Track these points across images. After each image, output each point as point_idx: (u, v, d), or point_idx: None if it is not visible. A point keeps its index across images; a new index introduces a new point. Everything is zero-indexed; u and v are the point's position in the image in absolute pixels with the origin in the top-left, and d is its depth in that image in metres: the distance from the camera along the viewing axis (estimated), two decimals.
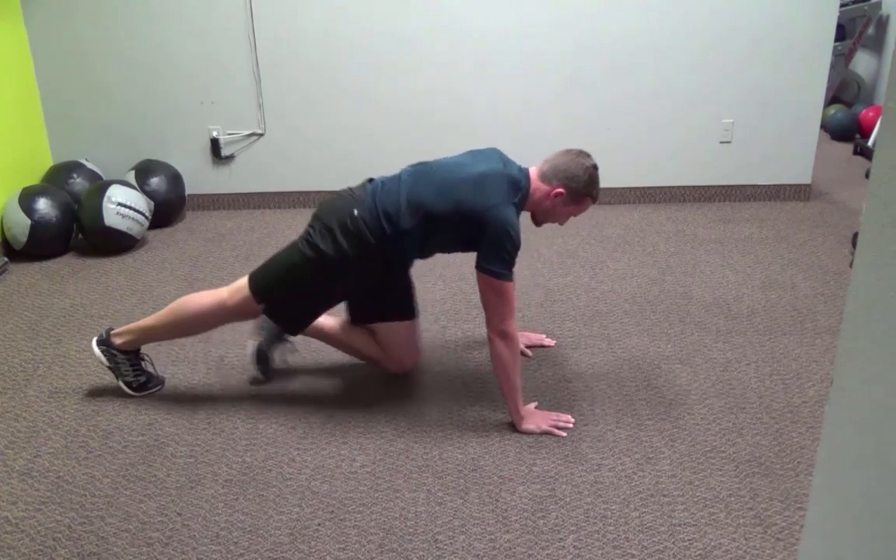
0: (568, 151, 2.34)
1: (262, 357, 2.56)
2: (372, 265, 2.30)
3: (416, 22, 4.02)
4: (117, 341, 2.44)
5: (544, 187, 2.30)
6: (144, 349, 2.53)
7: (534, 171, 2.33)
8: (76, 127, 4.19)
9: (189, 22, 4.02)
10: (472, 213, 2.19)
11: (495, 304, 2.21)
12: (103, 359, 2.45)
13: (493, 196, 2.19)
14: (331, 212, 2.29)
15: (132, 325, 2.45)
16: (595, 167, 2.31)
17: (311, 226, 2.31)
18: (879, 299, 0.72)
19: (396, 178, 2.33)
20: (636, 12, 3.99)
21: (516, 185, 2.26)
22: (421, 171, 2.33)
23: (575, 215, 2.39)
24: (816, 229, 3.91)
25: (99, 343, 2.45)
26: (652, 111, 4.16)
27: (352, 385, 2.58)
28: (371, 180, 2.38)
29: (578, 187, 2.28)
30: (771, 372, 2.62)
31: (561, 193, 2.28)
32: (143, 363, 2.52)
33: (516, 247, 2.19)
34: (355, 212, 2.24)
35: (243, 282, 2.35)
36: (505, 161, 2.34)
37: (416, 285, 3.31)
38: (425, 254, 2.39)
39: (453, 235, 2.28)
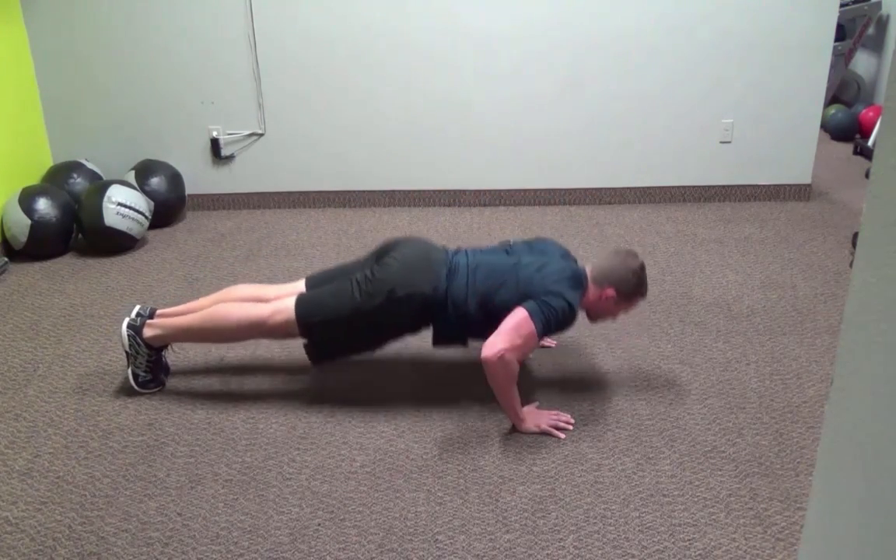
0: (617, 253, 2.41)
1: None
2: (422, 328, 2.41)
3: (416, 23, 4.02)
4: (147, 333, 2.45)
5: (596, 290, 2.37)
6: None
7: (589, 272, 2.40)
8: (76, 127, 4.19)
9: (189, 22, 4.02)
10: (537, 295, 2.25)
11: (512, 337, 2.16)
12: (126, 343, 2.45)
13: (561, 283, 2.28)
14: (404, 274, 2.32)
15: (170, 321, 2.45)
16: (643, 268, 2.38)
17: (379, 275, 2.33)
18: (879, 299, 0.72)
19: (465, 268, 2.37)
20: (636, 13, 3.99)
21: (578, 278, 2.34)
22: (490, 267, 2.35)
23: (626, 312, 2.47)
24: (816, 229, 3.91)
25: (129, 326, 2.45)
26: (652, 111, 4.16)
27: (352, 385, 2.58)
28: (446, 251, 2.44)
29: (628, 290, 2.36)
30: (771, 372, 2.62)
31: (612, 296, 2.35)
32: (165, 351, 2.54)
33: (563, 320, 2.24)
34: (428, 291, 2.30)
35: (288, 304, 2.35)
36: (567, 255, 2.46)
37: None
38: (478, 333, 2.38)
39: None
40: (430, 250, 2.42)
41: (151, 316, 2.49)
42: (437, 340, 2.44)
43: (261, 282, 3.39)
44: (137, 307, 2.52)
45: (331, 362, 2.50)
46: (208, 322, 2.41)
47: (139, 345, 2.45)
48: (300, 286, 2.50)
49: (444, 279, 2.32)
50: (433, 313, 2.35)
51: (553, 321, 2.22)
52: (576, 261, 2.45)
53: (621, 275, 2.34)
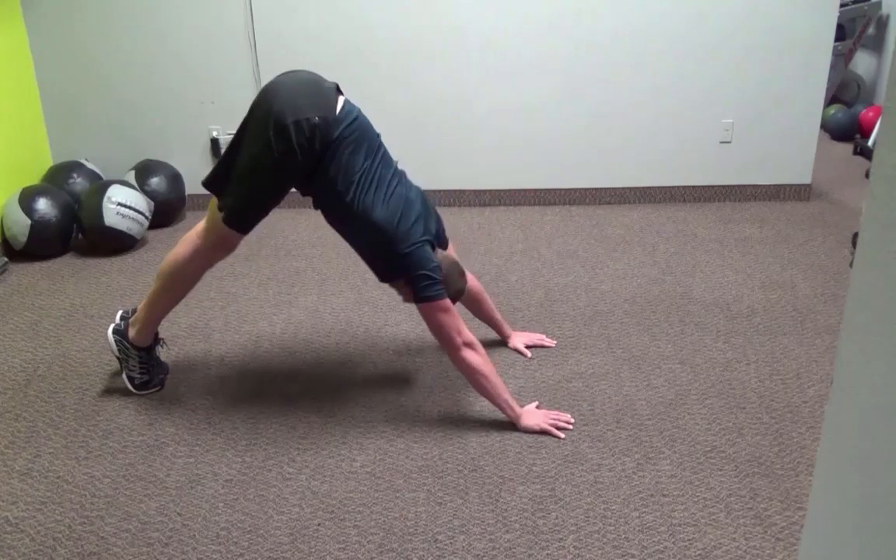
0: (456, 265, 2.34)
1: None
2: (310, 177, 2.25)
3: (415, 22, 4.01)
4: (131, 333, 2.46)
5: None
6: (164, 335, 2.56)
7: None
8: (76, 127, 4.19)
9: (189, 22, 4.02)
10: (390, 241, 2.19)
11: (447, 324, 2.22)
12: (115, 348, 2.46)
13: (410, 239, 2.21)
14: (294, 98, 2.20)
15: (137, 313, 2.46)
16: (460, 294, 2.35)
17: (264, 107, 2.20)
18: (879, 299, 0.72)
19: (364, 147, 2.25)
20: (636, 12, 3.99)
21: (430, 242, 2.28)
22: (381, 180, 2.27)
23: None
24: (816, 229, 3.91)
25: (115, 332, 2.46)
26: (652, 111, 4.16)
27: (352, 385, 2.58)
28: (339, 91, 2.30)
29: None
30: (771, 372, 2.62)
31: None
32: (158, 347, 2.53)
33: (435, 269, 2.21)
34: (314, 117, 2.15)
35: (211, 220, 2.29)
36: (432, 213, 2.38)
37: None
38: (338, 221, 2.30)
39: (368, 240, 2.26)
40: (320, 80, 2.29)
41: (133, 314, 2.50)
42: (316, 203, 2.33)
43: (260, 282, 3.39)
44: (120, 311, 2.54)
45: (250, 221, 2.35)
46: (159, 282, 2.39)
47: (127, 347, 2.46)
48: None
49: (334, 119, 2.16)
50: (320, 155, 2.17)
51: (434, 275, 2.19)
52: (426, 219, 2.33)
53: (448, 283, 2.27)
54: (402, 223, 2.21)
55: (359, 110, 2.31)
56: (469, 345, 2.25)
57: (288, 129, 2.12)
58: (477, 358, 2.25)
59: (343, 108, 2.24)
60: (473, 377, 2.27)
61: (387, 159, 2.33)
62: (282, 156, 2.15)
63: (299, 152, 2.14)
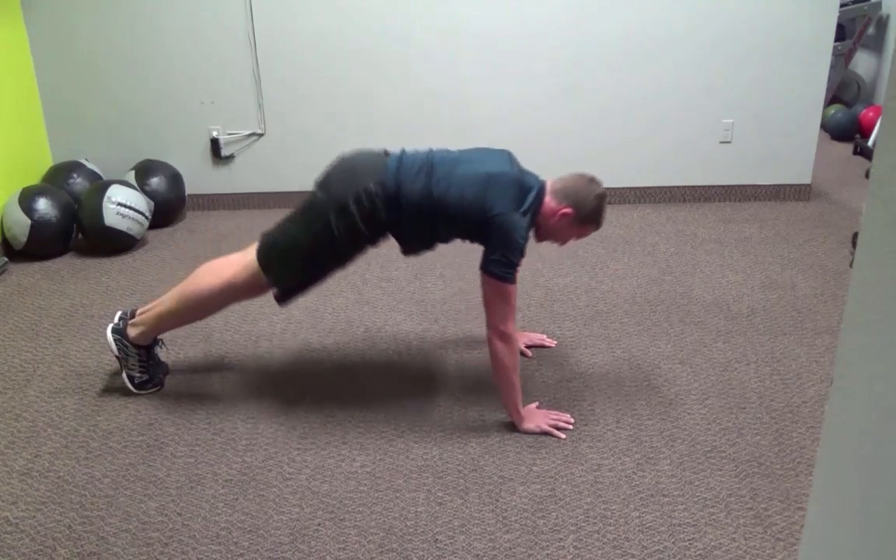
0: (581, 176, 2.35)
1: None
2: (378, 239, 2.31)
3: (415, 22, 4.02)
4: (132, 333, 2.45)
5: (553, 205, 2.30)
6: (164, 335, 2.56)
7: (548, 186, 2.33)
8: (76, 127, 4.19)
9: (189, 22, 4.02)
10: (478, 214, 2.19)
11: (497, 306, 2.21)
12: (114, 347, 2.46)
13: (502, 200, 2.19)
14: (346, 180, 2.24)
15: (145, 316, 2.45)
16: (603, 196, 2.32)
17: (323, 193, 2.25)
18: (879, 299, 0.72)
19: (419, 165, 2.27)
20: (636, 12, 3.99)
21: (527, 191, 2.25)
22: (438, 162, 2.28)
23: (576, 239, 2.40)
24: (816, 229, 3.91)
25: (114, 331, 2.46)
26: (652, 111, 4.17)
27: (352, 385, 2.58)
28: (387, 154, 2.34)
29: (585, 212, 2.29)
30: (771, 372, 2.62)
31: (568, 214, 2.28)
32: (157, 347, 2.54)
33: (521, 252, 2.19)
34: (373, 188, 2.20)
35: (250, 258, 2.32)
36: (518, 166, 2.35)
37: (416, 285, 3.32)
38: (431, 242, 2.36)
39: (463, 228, 2.28)
40: (368, 152, 2.35)
41: (133, 316, 2.49)
42: (404, 250, 2.38)
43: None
44: (119, 311, 2.53)
45: (300, 296, 2.41)
46: (182, 299, 2.39)
47: (127, 346, 2.45)
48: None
49: (392, 174, 2.22)
50: (386, 216, 2.23)
51: (515, 261, 2.18)
52: (531, 173, 2.36)
53: (582, 196, 2.28)
54: (488, 192, 2.19)
55: (424, 155, 2.33)
56: (507, 338, 2.20)
57: (349, 207, 2.20)
58: (506, 352, 2.21)
59: (398, 163, 2.27)
60: (497, 367, 2.25)
61: (441, 154, 2.34)
62: (346, 233, 2.23)
63: (364, 226, 2.23)
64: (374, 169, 2.25)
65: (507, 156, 2.36)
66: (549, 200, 2.29)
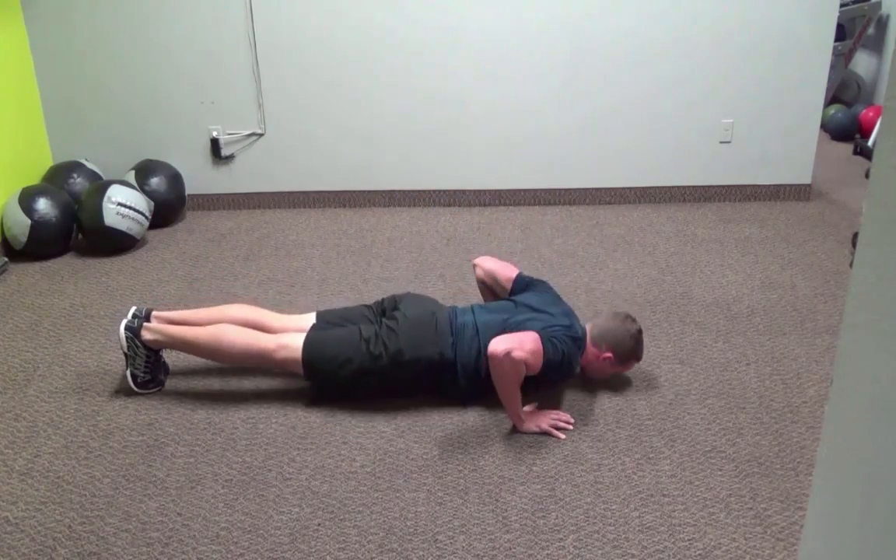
0: (615, 315, 2.47)
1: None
2: (424, 386, 2.46)
3: (415, 23, 4.01)
4: (146, 336, 2.46)
5: (594, 350, 2.42)
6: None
7: (588, 330, 2.45)
8: (76, 127, 4.19)
9: (189, 22, 4.02)
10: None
11: (524, 345, 2.17)
12: (124, 344, 2.46)
13: (560, 331, 2.33)
14: (411, 337, 2.35)
15: (169, 329, 2.47)
16: (640, 332, 2.45)
17: (386, 337, 2.36)
18: (879, 299, 0.72)
19: (472, 328, 2.39)
20: (636, 13, 3.99)
21: (579, 342, 2.38)
22: (498, 326, 2.36)
23: (620, 373, 2.53)
24: (816, 229, 3.91)
25: (127, 328, 2.46)
26: (652, 111, 4.16)
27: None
28: (452, 311, 2.46)
29: (625, 353, 2.42)
30: (771, 372, 2.62)
31: (609, 358, 2.41)
32: (161, 352, 2.54)
33: (564, 362, 2.28)
34: (435, 356, 2.35)
35: (295, 342, 2.38)
36: (561, 302, 2.50)
37: (417, 285, 3.32)
38: (486, 391, 2.40)
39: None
40: (436, 312, 2.45)
41: (147, 317, 2.50)
42: (442, 393, 2.47)
43: (260, 282, 3.39)
44: (133, 308, 2.53)
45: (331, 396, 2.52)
46: (212, 343, 2.43)
47: (137, 346, 2.46)
48: (305, 321, 2.53)
49: (450, 344, 2.36)
50: (439, 376, 2.39)
51: (558, 352, 2.25)
52: (576, 317, 2.49)
53: (619, 338, 2.41)
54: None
55: (472, 315, 2.44)
56: (515, 362, 2.16)
57: (406, 366, 2.35)
58: (513, 371, 2.19)
59: (456, 330, 2.39)
60: (502, 381, 2.23)
61: (490, 308, 2.49)
62: (393, 381, 2.39)
63: (412, 382, 2.41)
64: (438, 337, 2.36)
65: (567, 309, 2.49)
66: (590, 345, 2.43)
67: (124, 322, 2.48)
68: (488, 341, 2.22)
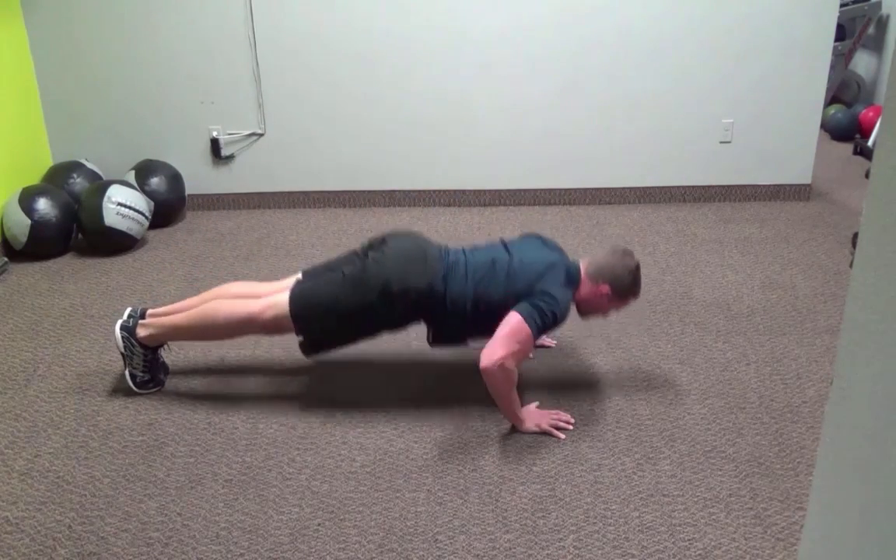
0: (614, 251, 2.41)
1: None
2: (412, 323, 2.41)
3: (415, 23, 4.02)
4: (141, 333, 2.45)
5: (591, 285, 2.37)
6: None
7: (582, 266, 2.40)
8: (76, 127, 4.19)
9: (189, 22, 4.02)
10: (526, 293, 2.25)
11: (510, 344, 2.15)
12: (121, 344, 2.46)
13: (548, 278, 2.28)
14: (399, 268, 2.30)
15: (161, 320, 2.46)
16: (638, 268, 2.38)
17: (373, 270, 2.30)
18: (879, 299, 0.72)
19: (464, 266, 2.35)
20: (636, 12, 3.99)
21: (568, 272, 2.34)
22: (478, 261, 2.34)
23: (617, 310, 2.47)
24: (816, 229, 3.91)
25: (123, 328, 2.46)
26: (652, 111, 4.16)
27: (352, 385, 2.58)
28: (443, 249, 2.41)
29: (623, 288, 2.36)
30: (771, 372, 2.62)
31: (606, 293, 2.35)
32: (161, 349, 2.54)
33: (555, 315, 2.23)
34: (424, 287, 2.29)
35: (280, 299, 2.33)
36: (556, 248, 2.45)
37: None
38: (476, 333, 2.39)
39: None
40: (425, 245, 2.39)
41: (143, 316, 2.49)
42: (436, 340, 2.43)
43: (260, 281, 3.39)
44: (129, 309, 2.53)
45: (324, 354, 2.47)
46: (199, 320, 2.40)
47: (134, 345, 2.45)
48: (291, 281, 2.45)
49: (440, 278, 2.30)
50: (429, 311, 2.33)
51: (547, 321, 2.21)
52: (566, 256, 2.43)
53: (617, 272, 2.34)
54: (519, 282, 2.27)
55: (464, 255, 2.39)
56: (507, 371, 2.15)
57: (395, 297, 2.26)
58: (505, 380, 2.18)
59: (447, 265, 2.34)
60: (498, 393, 2.23)
61: (481, 250, 2.43)
62: (384, 318, 2.33)
63: (402, 316, 2.34)
64: (427, 268, 2.31)
65: (541, 240, 2.45)
66: (585, 281, 2.37)
67: (120, 322, 2.47)
68: (478, 282, 2.26)
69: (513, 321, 2.18)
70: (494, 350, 2.14)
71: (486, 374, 2.15)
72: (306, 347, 2.40)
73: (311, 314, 2.32)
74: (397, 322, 2.38)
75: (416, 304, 2.30)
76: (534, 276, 2.26)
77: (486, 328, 2.28)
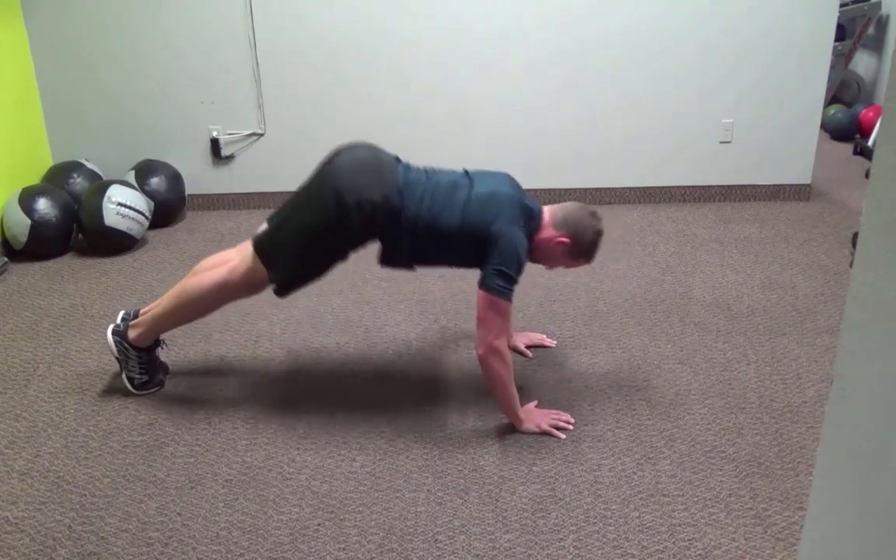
0: (582, 207, 2.35)
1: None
2: (367, 244, 2.30)
3: (415, 22, 4.02)
4: (132, 334, 2.45)
5: (551, 231, 2.31)
6: (164, 335, 2.55)
7: (547, 211, 2.34)
8: (76, 127, 4.19)
9: (189, 22, 4.02)
10: (479, 231, 2.19)
11: (492, 322, 2.17)
12: (114, 349, 2.46)
13: (503, 216, 2.20)
14: (352, 177, 2.21)
15: (144, 318, 2.45)
16: (601, 232, 2.33)
17: (326, 182, 2.22)
18: (879, 299, 0.72)
19: (423, 186, 2.28)
20: (636, 12, 3.99)
21: (528, 213, 2.27)
22: (438, 183, 2.29)
23: (566, 268, 2.42)
24: (816, 229, 3.91)
25: (114, 333, 2.46)
26: (652, 111, 4.16)
27: (352, 385, 2.58)
28: (400, 163, 2.33)
29: (581, 244, 2.31)
30: (771, 372, 2.62)
31: (564, 242, 2.29)
32: (158, 349, 2.53)
33: (520, 267, 2.19)
34: (379, 199, 2.20)
35: (246, 251, 2.29)
36: (519, 188, 2.35)
37: (416, 285, 3.32)
38: (426, 259, 2.35)
39: (459, 251, 2.27)
40: (381, 155, 2.31)
41: (135, 317, 2.49)
42: (384, 260, 2.34)
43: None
44: (122, 312, 2.53)
45: (299, 288, 2.37)
46: (176, 301, 2.38)
47: (127, 348, 2.45)
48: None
49: (396, 192, 2.22)
50: (383, 228, 2.24)
51: (513, 279, 2.17)
52: (530, 199, 2.35)
53: (583, 228, 2.28)
54: (479, 215, 2.19)
55: (425, 175, 2.32)
56: (500, 354, 2.18)
57: (350, 209, 2.18)
58: (502, 367, 2.20)
59: (404, 181, 2.26)
60: (495, 383, 2.23)
61: (443, 173, 2.34)
62: (343, 234, 2.23)
63: (360, 231, 2.24)
64: (383, 179, 2.24)
65: (507, 178, 2.37)
66: (547, 225, 2.31)
67: (111, 326, 2.47)
68: (434, 203, 2.21)
69: (484, 300, 2.16)
70: (482, 336, 2.17)
71: (482, 362, 2.19)
72: (278, 285, 2.31)
73: (276, 247, 2.27)
74: (357, 237, 2.26)
75: (371, 218, 2.20)
76: (490, 214, 2.19)
77: (436, 256, 2.27)
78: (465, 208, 2.21)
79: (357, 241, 2.29)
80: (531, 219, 2.27)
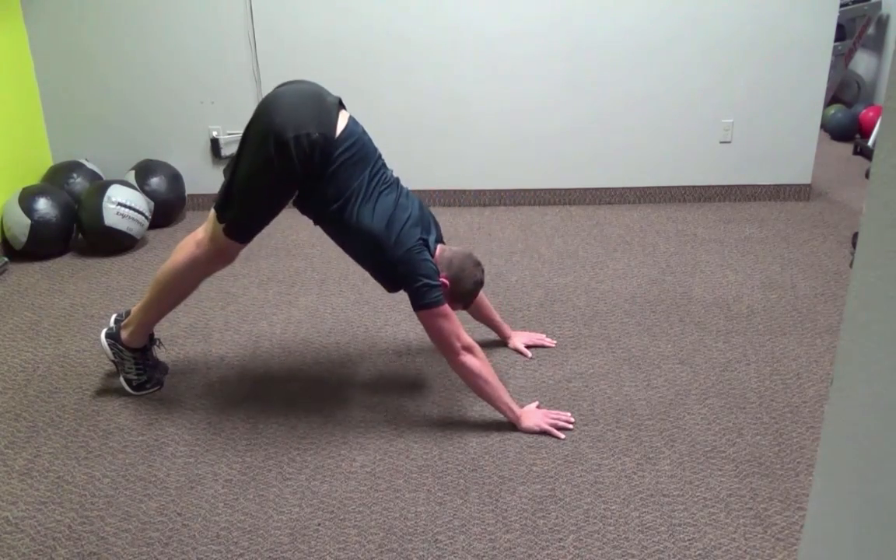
0: (469, 256, 2.37)
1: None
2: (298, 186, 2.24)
3: (415, 22, 4.02)
4: (124, 335, 2.45)
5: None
6: (163, 335, 2.55)
7: (439, 248, 2.36)
8: (76, 127, 4.19)
9: (189, 21, 4.02)
10: (384, 248, 2.21)
11: (445, 330, 2.22)
12: (109, 352, 2.46)
13: (407, 240, 2.22)
14: (296, 113, 2.14)
15: (131, 316, 2.46)
16: (480, 284, 2.39)
17: (268, 110, 2.16)
18: (879, 299, 0.72)
19: (378, 177, 2.27)
20: (637, 12, 3.99)
21: (426, 244, 2.28)
22: (391, 201, 2.26)
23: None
24: (816, 229, 3.91)
25: (108, 336, 2.46)
26: (652, 111, 4.17)
27: (352, 385, 2.58)
28: (340, 104, 2.28)
29: (458, 291, 2.34)
30: (771, 372, 2.62)
31: (444, 285, 2.30)
32: (154, 347, 2.53)
33: (436, 272, 2.24)
34: (317, 135, 2.12)
35: (209, 216, 2.28)
36: (430, 219, 2.40)
37: None
38: (331, 234, 2.31)
39: (360, 250, 2.28)
40: (324, 93, 2.24)
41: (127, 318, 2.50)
42: (299, 201, 2.29)
43: (260, 282, 3.39)
44: (114, 315, 2.53)
45: (251, 232, 2.31)
46: (155, 290, 2.38)
47: (121, 350, 2.46)
48: None
49: (338, 142, 2.16)
50: (318, 169, 2.16)
51: (434, 281, 2.21)
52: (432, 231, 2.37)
53: (464, 276, 2.33)
54: (393, 227, 2.21)
55: (361, 130, 2.31)
56: (468, 349, 2.25)
57: (288, 144, 2.10)
58: (476, 362, 2.25)
59: (346, 127, 2.22)
60: (473, 382, 2.27)
61: (384, 174, 2.32)
62: (282, 169, 2.14)
63: (299, 166, 2.14)
64: (323, 116, 2.17)
65: (420, 203, 2.39)
66: (436, 260, 2.32)
67: (104, 330, 2.48)
68: (364, 197, 2.21)
69: (427, 318, 2.22)
70: (446, 350, 2.25)
71: (460, 370, 2.27)
72: (228, 225, 2.25)
73: (227, 194, 2.23)
74: (299, 176, 2.16)
75: (309, 159, 2.13)
76: (402, 246, 2.20)
77: (337, 232, 2.26)
78: (388, 228, 2.21)
79: (300, 181, 2.19)
80: (429, 248, 2.30)
